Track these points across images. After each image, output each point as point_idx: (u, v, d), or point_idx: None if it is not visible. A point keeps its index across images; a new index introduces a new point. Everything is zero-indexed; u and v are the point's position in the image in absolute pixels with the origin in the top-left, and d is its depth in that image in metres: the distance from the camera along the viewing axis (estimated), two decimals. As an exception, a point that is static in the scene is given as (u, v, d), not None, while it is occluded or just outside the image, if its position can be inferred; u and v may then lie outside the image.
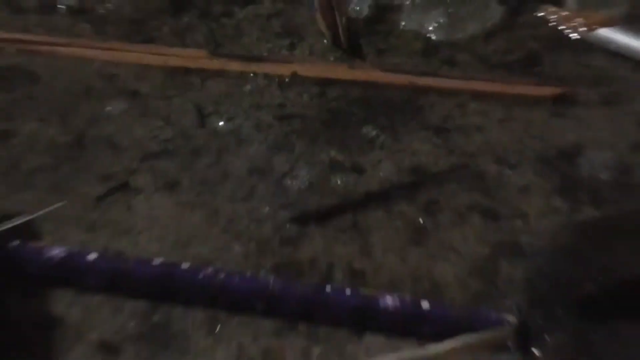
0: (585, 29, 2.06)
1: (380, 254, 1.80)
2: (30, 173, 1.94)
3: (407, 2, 2.17)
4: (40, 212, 1.83)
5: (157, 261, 1.74)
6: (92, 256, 1.75)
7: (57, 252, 1.74)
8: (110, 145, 1.97)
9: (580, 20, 2.07)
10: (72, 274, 1.75)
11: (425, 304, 1.70)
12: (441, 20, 2.13)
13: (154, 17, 2.19)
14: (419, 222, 1.85)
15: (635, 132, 2.05)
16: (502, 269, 1.79)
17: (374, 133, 2.02)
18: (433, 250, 1.81)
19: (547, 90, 2.03)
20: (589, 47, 2.12)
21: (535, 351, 1.65)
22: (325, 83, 2.07)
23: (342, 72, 2.07)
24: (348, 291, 1.72)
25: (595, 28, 2.06)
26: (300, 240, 1.84)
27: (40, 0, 2.19)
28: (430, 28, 2.15)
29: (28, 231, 1.84)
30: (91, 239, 1.81)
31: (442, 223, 1.85)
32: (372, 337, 1.69)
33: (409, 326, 1.69)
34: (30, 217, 1.85)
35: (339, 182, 1.93)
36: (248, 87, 2.08)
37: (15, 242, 1.78)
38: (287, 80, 2.06)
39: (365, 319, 1.71)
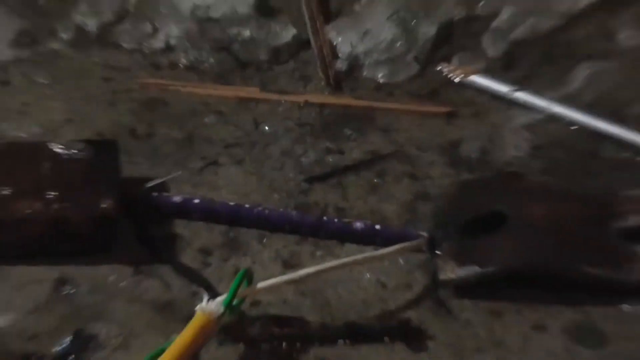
0: (462, 76, 2.13)
1: (353, 200, 1.95)
2: (163, 156, 2.03)
3: (367, 63, 2.18)
4: (168, 177, 1.97)
5: (232, 203, 1.89)
6: (196, 201, 1.89)
7: (177, 198, 1.89)
8: (206, 140, 2.08)
9: (459, 71, 2.13)
10: (185, 211, 1.89)
11: (377, 227, 1.85)
12: (386, 72, 2.14)
13: (230, 72, 2.21)
14: (374, 181, 2.00)
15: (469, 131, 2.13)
16: (420, 208, 1.93)
17: (349, 133, 2.12)
18: (382, 197, 1.96)
19: (442, 109, 2.13)
20: (464, 85, 2.17)
21: (438, 252, 1.79)
22: (323, 106, 2.15)
23: (332, 99, 2.16)
24: (336, 220, 1.87)
25: (468, 75, 2.14)
26: (310, 192, 1.97)
27: (169, 60, 2.20)
28: (380, 75, 2.16)
29: (162, 188, 1.94)
30: (195, 192, 1.95)
31: (387, 182, 2.00)
32: (350, 245, 1.84)
33: (369, 239, 1.85)
34: (162, 179, 1.96)
35: (330, 159, 2.05)
36: (280, 108, 2.14)
37: (155, 193, 1.91)
38: (302, 104, 2.13)
39: (345, 235, 1.86)
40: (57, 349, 1.57)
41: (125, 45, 2.10)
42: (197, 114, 2.04)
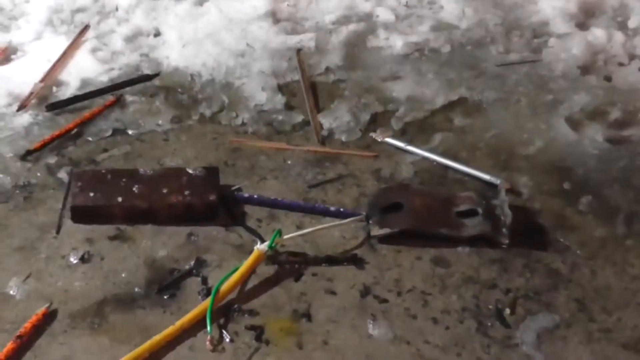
0: (382, 138, 2.04)
1: (330, 196, 1.89)
2: (239, 174, 1.94)
3: (337, 132, 2.08)
4: (241, 185, 1.90)
5: (272, 197, 1.86)
6: (255, 196, 1.85)
7: (245, 194, 1.86)
8: (260, 167, 1.98)
9: (380, 136, 2.05)
10: (249, 200, 1.84)
11: (342, 209, 1.82)
12: (345, 136, 2.08)
13: (272, 135, 2.09)
14: (340, 187, 1.93)
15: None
16: (362, 200, 1.86)
17: (327, 165, 2.01)
18: (344, 195, 1.90)
19: (372, 154, 2.03)
20: (383, 143, 2.05)
21: (370, 222, 1.76)
22: (316, 152, 2.03)
23: (320, 149, 2.04)
24: (321, 205, 1.84)
25: (384, 138, 2.05)
26: (310, 192, 1.91)
27: (243, 130, 2.10)
28: (342, 137, 2.08)
29: (238, 190, 1.89)
30: (255, 192, 1.89)
31: (346, 187, 1.91)
32: (328, 218, 1.81)
33: (337, 215, 1.80)
34: (238, 186, 1.90)
35: (319, 177, 1.96)
36: (296, 153, 2.04)
37: (235, 192, 1.87)
38: (306, 151, 2.04)
39: (326, 213, 1.82)
40: (187, 266, 1.61)
41: (223, 122, 2.06)
42: (255, 155, 1.96)
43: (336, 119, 2.06)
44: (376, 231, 1.70)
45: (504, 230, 1.69)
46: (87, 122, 1.98)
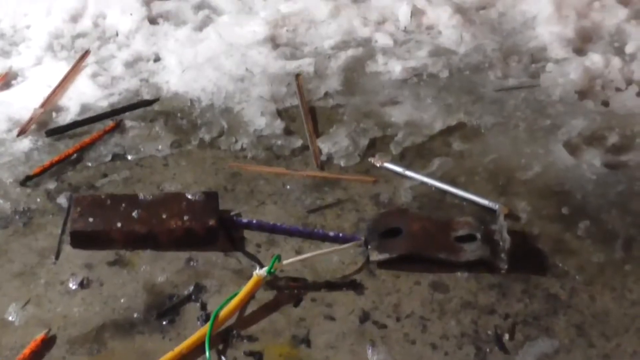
0: (380, 163, 2.03)
1: (329, 221, 1.90)
2: (239, 199, 1.93)
3: (335, 157, 2.08)
4: (240, 210, 1.91)
5: (272, 222, 1.86)
6: (254, 221, 1.84)
7: (245, 219, 1.86)
8: (260, 192, 1.98)
9: (379, 161, 2.04)
10: (249, 225, 1.84)
11: (340, 234, 1.83)
12: (344, 161, 2.07)
13: (271, 160, 2.09)
14: (339, 212, 1.92)
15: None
16: (361, 225, 1.86)
17: (326, 190, 2.01)
18: (342, 220, 1.90)
19: (370, 179, 2.02)
20: (381, 168, 2.04)
21: (369, 246, 1.77)
22: (314, 177, 2.03)
23: (319, 174, 2.03)
24: (320, 230, 1.84)
25: (383, 163, 2.04)
26: (308, 217, 1.91)
27: (243, 155, 2.09)
28: (341, 162, 2.08)
29: (237, 215, 1.89)
30: (254, 216, 1.89)
31: (345, 212, 1.91)
32: (327, 243, 1.81)
33: (336, 240, 1.81)
34: (238, 211, 1.90)
35: (318, 202, 1.96)
36: (295, 178, 2.03)
37: (235, 217, 1.87)
38: (305, 176, 2.03)
39: (325, 238, 1.83)
40: (186, 292, 1.60)
41: (222, 147, 2.05)
42: (255, 179, 1.95)
43: (335, 143, 2.06)
44: (375, 256, 1.71)
45: (502, 255, 1.70)
46: (86, 147, 1.98)
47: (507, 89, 2.27)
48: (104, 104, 2.13)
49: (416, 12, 2.53)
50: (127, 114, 2.10)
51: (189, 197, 1.78)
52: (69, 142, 1.99)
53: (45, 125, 2.05)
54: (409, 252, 1.71)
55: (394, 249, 1.72)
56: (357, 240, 1.75)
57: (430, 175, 1.96)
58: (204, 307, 1.58)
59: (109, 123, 2.06)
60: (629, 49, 2.41)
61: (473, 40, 2.43)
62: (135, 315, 1.56)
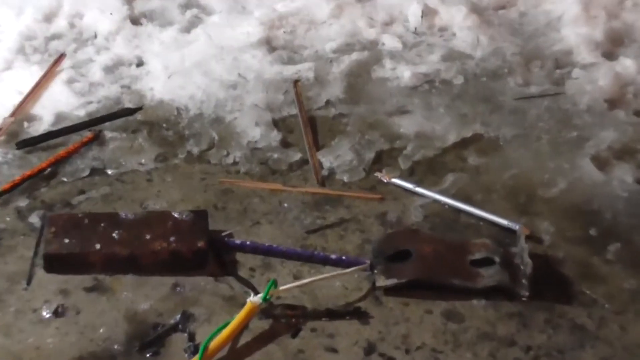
0: (388, 179, 2.04)
1: (331, 243, 1.90)
2: (230, 219, 1.95)
3: (338, 171, 2.10)
4: (232, 230, 1.90)
5: (267, 244, 1.86)
6: (248, 242, 1.85)
7: (237, 241, 1.86)
8: (253, 211, 1.98)
9: (386, 176, 2.06)
10: (242, 248, 1.85)
11: (343, 257, 1.82)
12: (347, 176, 2.07)
13: (267, 175, 2.11)
14: (341, 233, 1.93)
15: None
16: (366, 247, 1.86)
17: (328, 208, 2.03)
18: (346, 242, 1.91)
19: (377, 196, 2.04)
20: (389, 183, 2.05)
21: (375, 271, 1.76)
22: (315, 194, 2.04)
23: (319, 190, 2.05)
24: (321, 253, 1.85)
25: (390, 178, 2.05)
26: (307, 239, 1.92)
27: (235, 169, 2.12)
28: (344, 178, 2.10)
29: (229, 235, 1.89)
30: (247, 238, 1.90)
31: (348, 233, 1.92)
32: (328, 267, 1.81)
33: (338, 263, 1.82)
34: (229, 231, 1.89)
35: (318, 222, 1.97)
36: (293, 195, 2.04)
37: (226, 238, 1.87)
38: (304, 193, 2.04)
39: (326, 261, 1.83)
40: (172, 321, 1.60)
41: (212, 161, 2.06)
42: (248, 197, 1.96)
43: (337, 157, 2.08)
44: (382, 282, 1.72)
45: (523, 280, 1.70)
46: (62, 161, 1.98)
47: (529, 97, 2.28)
48: (81, 113, 2.14)
49: (427, 12, 2.55)
50: (106, 124, 2.11)
51: (176, 216, 1.79)
52: (42, 155, 2.00)
53: (15, 136, 2.05)
54: (419, 277, 1.71)
55: (403, 274, 1.72)
56: (361, 264, 1.75)
57: (443, 192, 1.97)
58: (192, 337, 1.58)
59: (87, 134, 2.07)
60: (664, 53, 2.31)
61: (491, 43, 2.45)
62: (115, 346, 1.54)
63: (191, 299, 1.67)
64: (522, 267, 1.73)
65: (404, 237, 1.82)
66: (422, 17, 2.52)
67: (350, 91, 2.28)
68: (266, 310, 1.62)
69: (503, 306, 1.67)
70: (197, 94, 2.23)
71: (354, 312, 1.66)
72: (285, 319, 1.64)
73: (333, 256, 1.79)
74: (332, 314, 1.65)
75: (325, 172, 2.05)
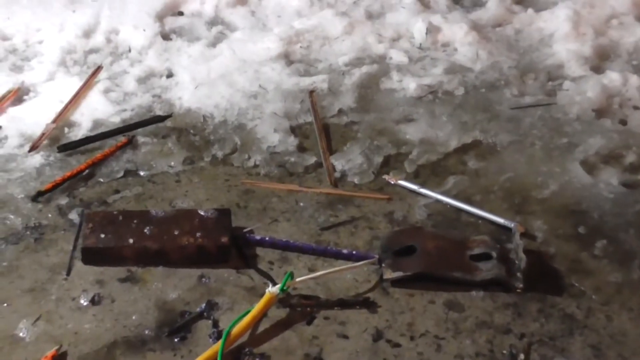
0: (395, 181, 2.03)
1: (343, 239, 1.89)
2: (251, 216, 1.93)
3: (349, 174, 2.09)
4: (254, 227, 1.89)
5: (284, 239, 1.86)
6: (267, 238, 1.85)
7: (258, 236, 1.86)
8: (273, 209, 1.98)
9: (393, 178, 2.05)
10: (262, 243, 1.85)
11: (354, 252, 1.82)
12: (358, 178, 2.07)
13: (285, 177, 2.09)
14: (353, 230, 1.91)
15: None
16: (374, 243, 1.86)
17: (340, 208, 2.02)
18: (356, 237, 1.90)
19: (385, 196, 2.03)
20: (396, 185, 2.05)
21: (383, 265, 1.76)
22: (328, 194, 2.03)
23: (332, 191, 2.05)
24: (334, 248, 1.84)
25: (397, 180, 2.03)
26: (322, 235, 1.91)
27: (256, 172, 2.10)
28: (355, 180, 2.09)
29: (251, 232, 1.88)
30: (267, 234, 1.90)
31: (358, 230, 1.90)
32: (341, 261, 1.81)
33: (349, 257, 1.81)
34: (251, 228, 1.89)
35: (331, 219, 1.96)
36: (308, 195, 2.03)
37: (248, 234, 1.87)
38: (319, 193, 2.04)
39: (338, 255, 1.82)
40: (198, 309, 1.61)
41: (235, 164, 2.06)
42: (268, 197, 1.96)
43: (349, 161, 2.07)
44: (389, 274, 1.71)
45: (518, 274, 1.70)
46: (98, 163, 1.99)
47: (524, 106, 2.28)
48: (116, 120, 2.15)
49: (432, 29, 2.55)
50: (139, 130, 2.12)
51: (202, 213, 1.78)
52: (81, 157, 2.01)
53: (57, 140, 2.07)
54: (423, 270, 1.71)
55: (408, 267, 1.71)
56: (370, 258, 1.75)
57: (445, 193, 1.96)
58: (215, 324, 1.58)
59: (121, 139, 2.08)
60: (647, 67, 2.34)
61: (489, 58, 2.46)
62: (146, 332, 1.56)
63: (215, 289, 1.68)
64: (517, 262, 1.73)
65: (409, 234, 1.82)
66: (426, 33, 2.54)
67: (361, 101, 2.29)
68: (283, 299, 1.62)
69: (499, 297, 1.67)
70: (222, 103, 2.24)
71: (364, 302, 1.67)
72: (300, 308, 1.64)
73: (344, 251, 1.79)
74: (344, 304, 1.65)
75: (337, 175, 2.05)
